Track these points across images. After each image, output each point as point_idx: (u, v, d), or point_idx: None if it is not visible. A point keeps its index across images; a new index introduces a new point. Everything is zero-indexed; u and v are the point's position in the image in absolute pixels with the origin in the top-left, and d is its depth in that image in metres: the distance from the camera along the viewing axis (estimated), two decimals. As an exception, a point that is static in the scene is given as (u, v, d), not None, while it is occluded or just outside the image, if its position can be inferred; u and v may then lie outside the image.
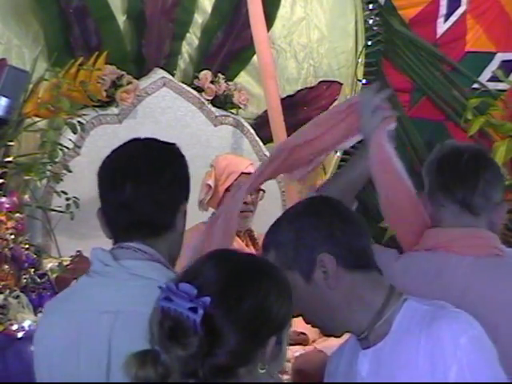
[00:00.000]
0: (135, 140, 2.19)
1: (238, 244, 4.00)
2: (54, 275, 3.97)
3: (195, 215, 3.99)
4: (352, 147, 6.42)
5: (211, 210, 4.05)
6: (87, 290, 2.04)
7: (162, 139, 2.20)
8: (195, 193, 4.14)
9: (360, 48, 5.78)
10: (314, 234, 1.91)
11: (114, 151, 2.16)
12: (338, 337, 2.01)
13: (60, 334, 2.01)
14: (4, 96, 3.96)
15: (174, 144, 2.17)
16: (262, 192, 4.05)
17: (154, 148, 2.15)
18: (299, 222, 1.94)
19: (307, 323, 1.99)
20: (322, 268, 1.90)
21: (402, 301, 1.90)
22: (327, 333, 2.04)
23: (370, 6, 5.77)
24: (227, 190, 3.94)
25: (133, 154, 2.13)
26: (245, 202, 3.91)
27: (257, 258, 1.76)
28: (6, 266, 3.73)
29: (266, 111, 5.11)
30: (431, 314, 1.82)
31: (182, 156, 2.16)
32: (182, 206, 2.09)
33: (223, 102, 5.16)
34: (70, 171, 4.39)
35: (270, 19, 5.16)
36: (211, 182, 3.94)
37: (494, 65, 5.85)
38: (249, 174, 3.99)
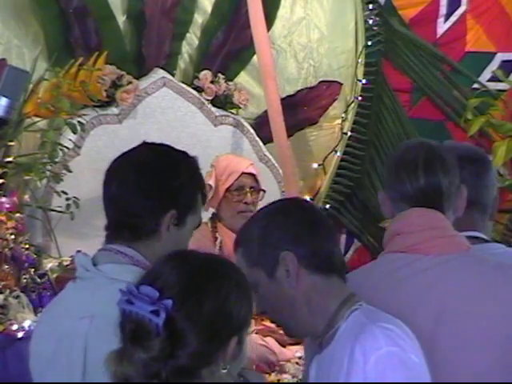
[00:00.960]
0: (148, 144, 2.19)
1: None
2: (54, 275, 3.98)
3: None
4: (352, 147, 6.45)
5: (211, 209, 4.05)
6: (69, 296, 2.07)
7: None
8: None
9: (360, 48, 5.78)
10: (279, 232, 1.94)
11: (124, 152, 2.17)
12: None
13: (45, 341, 2.04)
14: (4, 96, 3.96)
15: (186, 154, 2.22)
16: (262, 192, 4.05)
17: (158, 152, 2.16)
18: (267, 220, 1.98)
19: (271, 322, 2.01)
20: (284, 266, 1.92)
21: (352, 310, 1.91)
22: (289, 333, 2.07)
23: (370, 6, 5.78)
24: (228, 189, 3.95)
25: (134, 155, 2.13)
26: (245, 202, 3.92)
27: (216, 258, 1.76)
28: (6, 266, 3.73)
29: (265, 111, 5.11)
30: (361, 327, 1.84)
31: (189, 168, 2.18)
32: (169, 216, 2.07)
33: (223, 101, 5.16)
34: (69, 171, 4.39)
35: (270, 19, 5.17)
36: (212, 182, 3.94)
37: (494, 65, 5.86)
38: (249, 173, 3.99)
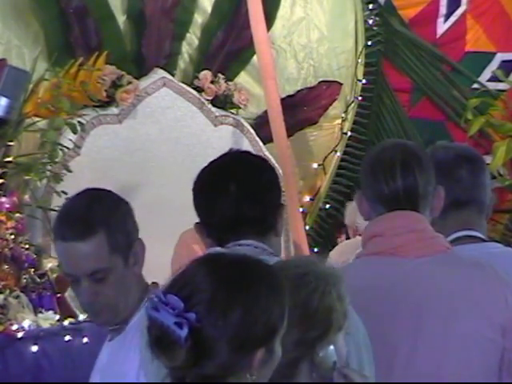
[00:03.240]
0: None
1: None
2: (54, 275, 3.97)
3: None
4: (352, 147, 6.44)
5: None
6: None
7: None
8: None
9: (360, 48, 5.78)
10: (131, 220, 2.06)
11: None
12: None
13: None
14: (4, 96, 3.96)
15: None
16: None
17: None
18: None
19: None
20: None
21: (145, 302, 1.93)
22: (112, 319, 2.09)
23: (370, 6, 5.78)
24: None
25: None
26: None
27: (250, 262, 1.69)
28: (6, 266, 3.73)
29: (265, 111, 5.11)
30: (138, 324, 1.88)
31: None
32: (282, 210, 2.14)
33: (223, 102, 5.16)
34: (69, 171, 4.38)
35: (270, 19, 5.16)
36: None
37: (493, 65, 5.86)
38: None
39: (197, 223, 2.13)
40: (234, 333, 1.56)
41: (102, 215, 2.00)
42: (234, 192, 2.06)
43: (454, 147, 2.62)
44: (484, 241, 2.54)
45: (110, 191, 2.11)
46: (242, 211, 2.06)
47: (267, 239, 2.07)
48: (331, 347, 1.73)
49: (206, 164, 2.32)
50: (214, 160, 2.18)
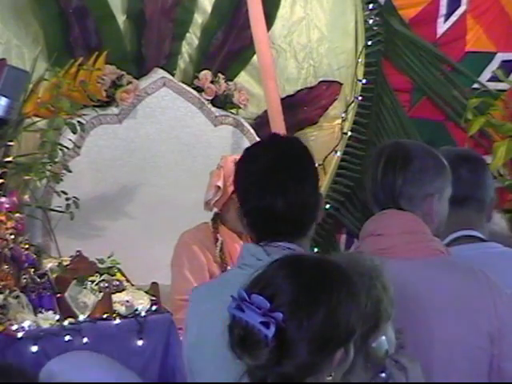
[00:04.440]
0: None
1: (240, 246, 3.99)
2: (54, 275, 3.97)
3: (197, 215, 4.00)
4: (352, 147, 6.44)
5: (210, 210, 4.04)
6: (240, 280, 2.06)
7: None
8: (197, 193, 4.14)
9: (360, 48, 5.77)
10: None
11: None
12: None
13: (213, 322, 1.99)
14: (4, 96, 3.95)
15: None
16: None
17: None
18: None
19: None
20: None
21: None
22: None
23: (370, 6, 5.77)
24: (234, 191, 3.93)
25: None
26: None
27: (329, 264, 1.72)
28: (6, 266, 3.73)
29: (265, 111, 5.10)
30: None
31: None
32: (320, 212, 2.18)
33: (223, 102, 5.15)
34: (69, 171, 4.38)
35: (270, 19, 5.16)
36: (221, 184, 3.91)
37: (494, 65, 5.85)
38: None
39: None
40: (317, 334, 1.59)
41: None
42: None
43: (456, 149, 2.65)
44: (483, 240, 2.53)
45: None
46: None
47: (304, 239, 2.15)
48: (383, 337, 1.79)
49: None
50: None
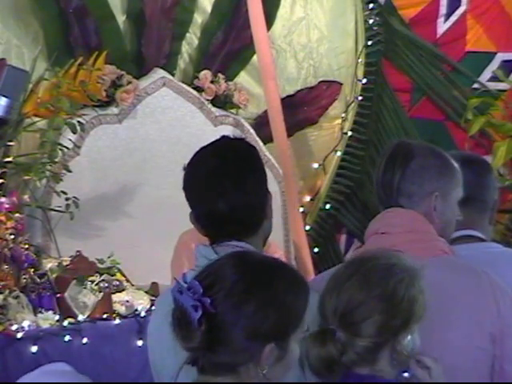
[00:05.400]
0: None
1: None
2: (54, 275, 3.97)
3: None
4: (352, 147, 6.44)
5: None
6: None
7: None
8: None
9: (360, 48, 5.77)
10: None
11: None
12: None
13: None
14: (4, 96, 3.96)
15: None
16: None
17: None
18: None
19: None
20: None
21: None
22: None
23: (370, 6, 5.77)
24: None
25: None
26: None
27: (273, 263, 1.79)
28: (6, 266, 3.73)
29: (265, 111, 5.10)
30: None
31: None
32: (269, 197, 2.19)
33: (223, 101, 5.15)
34: (69, 171, 4.38)
35: (270, 19, 5.16)
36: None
37: (494, 65, 5.85)
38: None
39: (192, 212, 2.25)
40: (248, 322, 1.68)
41: None
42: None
43: (461, 153, 2.67)
44: (483, 240, 2.53)
45: None
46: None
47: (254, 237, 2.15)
48: (409, 336, 1.84)
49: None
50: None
